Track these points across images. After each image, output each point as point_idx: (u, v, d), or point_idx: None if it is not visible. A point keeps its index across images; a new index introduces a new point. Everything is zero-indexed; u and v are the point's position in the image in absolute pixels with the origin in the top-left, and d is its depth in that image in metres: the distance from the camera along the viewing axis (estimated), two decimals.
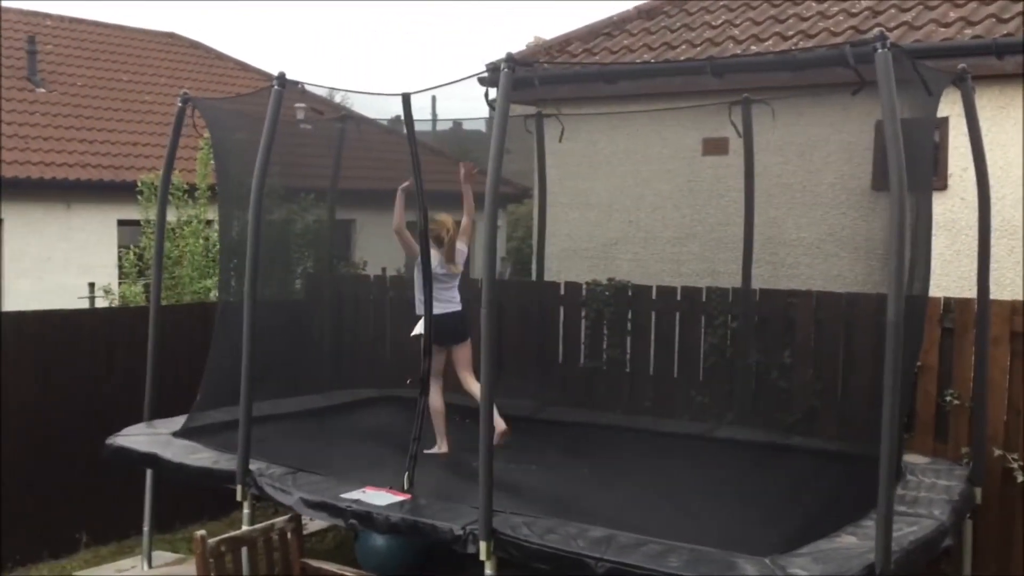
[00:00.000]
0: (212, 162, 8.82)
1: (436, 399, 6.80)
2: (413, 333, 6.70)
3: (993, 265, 7.54)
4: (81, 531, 7.73)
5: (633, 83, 9.04)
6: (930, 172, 6.18)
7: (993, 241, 7.51)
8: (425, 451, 6.30)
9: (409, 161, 6.37)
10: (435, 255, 6.75)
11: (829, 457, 6.28)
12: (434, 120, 19.71)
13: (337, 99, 18.51)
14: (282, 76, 6.03)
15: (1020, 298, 7.20)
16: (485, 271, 5.05)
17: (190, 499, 7.81)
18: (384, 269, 9.89)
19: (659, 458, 6.80)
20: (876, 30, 4.63)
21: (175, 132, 7.18)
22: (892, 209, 4.36)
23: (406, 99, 5.98)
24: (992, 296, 6.26)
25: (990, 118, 7.78)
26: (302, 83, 6.11)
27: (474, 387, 6.60)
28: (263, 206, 6.17)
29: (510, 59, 5.16)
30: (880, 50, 4.45)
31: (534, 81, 7.65)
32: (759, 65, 7.87)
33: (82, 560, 7.56)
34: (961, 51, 7.58)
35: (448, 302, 6.84)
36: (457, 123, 22.98)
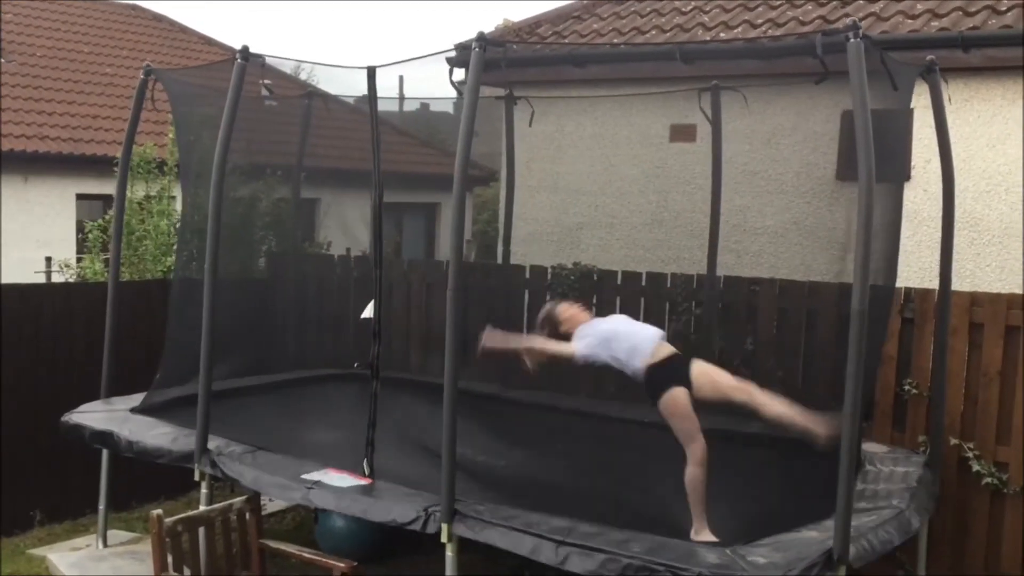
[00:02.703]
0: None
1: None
2: (363, 315, 6.55)
3: (954, 256, 7.63)
4: (35, 509, 7.62)
5: (602, 67, 9.05)
6: (900, 164, 6.20)
7: (954, 233, 7.60)
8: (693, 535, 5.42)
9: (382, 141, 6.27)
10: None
11: (790, 447, 6.29)
12: (401, 99, 19.58)
13: (303, 76, 18.29)
14: (245, 49, 5.94)
15: (979, 290, 7.29)
16: (452, 254, 5.01)
17: (147, 478, 7.71)
18: (348, 249, 9.80)
19: (620, 446, 6.80)
20: (847, 20, 4.63)
21: (137, 105, 7.05)
22: (860, 199, 4.37)
23: (371, 73, 5.91)
24: (952, 287, 6.32)
25: (954, 111, 7.78)
26: (264, 56, 6.00)
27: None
28: (226, 183, 6.07)
29: (481, 38, 5.09)
30: (852, 40, 4.45)
31: (502, 63, 7.61)
32: (729, 52, 7.91)
33: (36, 538, 7.46)
34: (927, 43, 7.63)
35: None
36: (425, 104, 22.88)
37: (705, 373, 5.66)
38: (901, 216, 5.93)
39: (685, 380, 5.58)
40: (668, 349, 5.74)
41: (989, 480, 6.30)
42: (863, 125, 4.35)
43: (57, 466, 7.63)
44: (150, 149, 9.85)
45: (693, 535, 5.43)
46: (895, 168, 5.91)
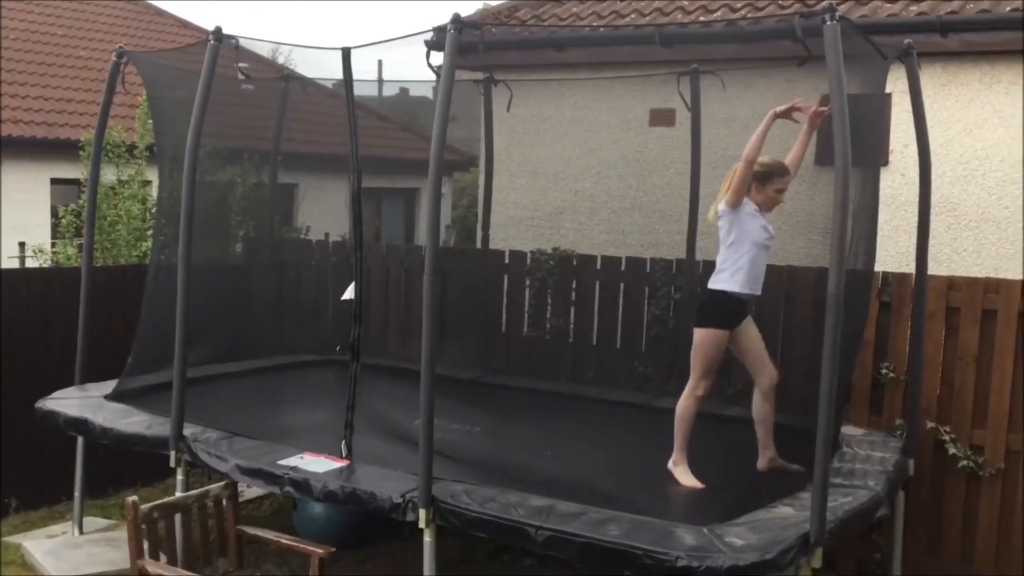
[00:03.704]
0: (151, 120, 8.57)
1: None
2: (344, 297, 6.50)
3: (931, 241, 7.65)
4: (10, 496, 7.54)
5: (581, 51, 9.00)
6: (877, 148, 6.21)
7: (932, 217, 7.62)
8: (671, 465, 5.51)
9: (361, 126, 6.23)
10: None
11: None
12: (380, 83, 19.47)
13: (280, 60, 18.14)
14: (218, 31, 5.89)
15: (956, 274, 7.33)
16: (428, 239, 4.99)
17: (124, 464, 7.67)
18: (327, 235, 9.74)
19: (601, 427, 6.82)
20: (825, 3, 4.63)
21: (109, 88, 6.98)
22: (836, 183, 4.38)
23: (346, 54, 5.87)
24: (929, 272, 6.34)
25: (931, 95, 7.84)
26: (238, 38, 5.95)
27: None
28: (200, 166, 6.03)
29: (457, 20, 5.06)
30: (829, 22, 4.44)
31: (479, 46, 7.54)
32: (708, 36, 7.85)
33: (11, 525, 7.38)
34: (905, 28, 7.63)
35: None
36: (404, 89, 22.77)
37: (754, 340, 5.60)
38: (878, 200, 5.93)
39: (733, 326, 5.49)
40: (748, 295, 5.49)
41: (965, 463, 6.34)
42: (839, 108, 4.34)
43: (32, 453, 7.56)
44: (117, 132, 9.72)
45: (670, 465, 5.53)
46: (872, 152, 5.90)
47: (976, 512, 6.38)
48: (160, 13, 18.92)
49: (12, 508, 7.56)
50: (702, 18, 9.00)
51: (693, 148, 7.68)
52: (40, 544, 6.82)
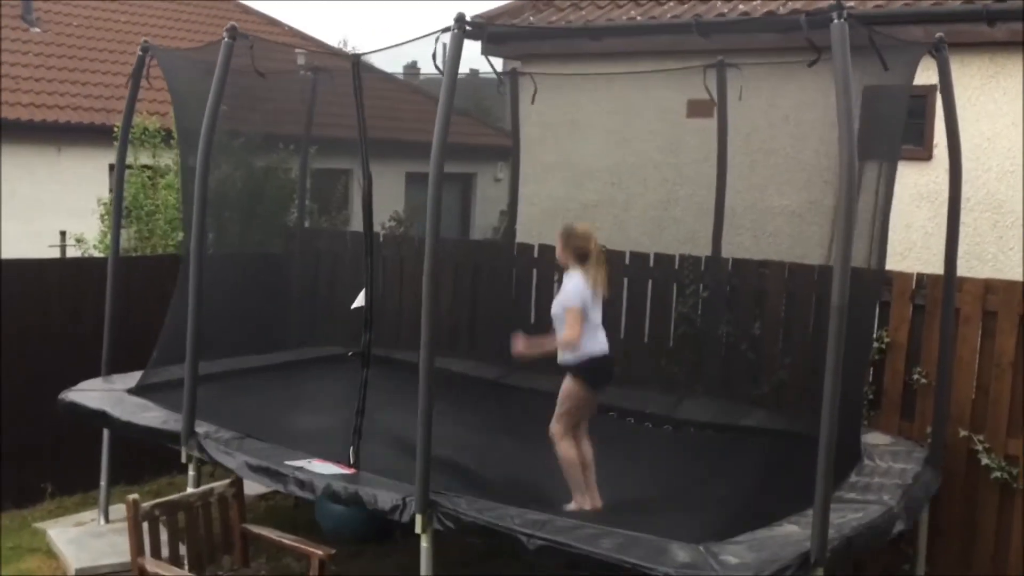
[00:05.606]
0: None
1: (571, 451, 5.63)
2: (353, 306, 6.42)
3: (975, 239, 7.34)
4: (47, 481, 7.71)
5: (618, 40, 8.82)
6: (896, 140, 5.97)
7: (976, 215, 7.31)
8: (566, 507, 5.50)
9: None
10: (580, 277, 5.62)
11: (784, 440, 6.11)
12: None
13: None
14: (233, 28, 5.93)
15: (1001, 274, 7.01)
16: (429, 229, 4.89)
17: (155, 453, 7.73)
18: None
19: (608, 441, 6.67)
20: None
21: (134, 82, 7.08)
22: (840, 183, 4.24)
23: (354, 62, 5.85)
24: (973, 271, 6.12)
25: (979, 87, 7.51)
26: (252, 36, 5.97)
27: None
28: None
29: (460, 20, 4.99)
30: (836, 20, 4.24)
31: (518, 34, 7.41)
32: (746, 25, 7.65)
33: (45, 511, 7.55)
34: (951, 17, 7.30)
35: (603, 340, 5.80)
36: (474, 71, 22.65)
37: None
38: (892, 196, 5.70)
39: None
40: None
41: (998, 474, 6.09)
42: (844, 110, 4.18)
43: (69, 440, 7.68)
44: (151, 122, 9.86)
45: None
46: (890, 145, 5.69)
47: (1010, 525, 6.12)
48: (247, 11, 18.93)
49: (48, 493, 7.72)
50: (741, 7, 8.72)
51: (719, 141, 7.47)
52: (65, 532, 6.95)
